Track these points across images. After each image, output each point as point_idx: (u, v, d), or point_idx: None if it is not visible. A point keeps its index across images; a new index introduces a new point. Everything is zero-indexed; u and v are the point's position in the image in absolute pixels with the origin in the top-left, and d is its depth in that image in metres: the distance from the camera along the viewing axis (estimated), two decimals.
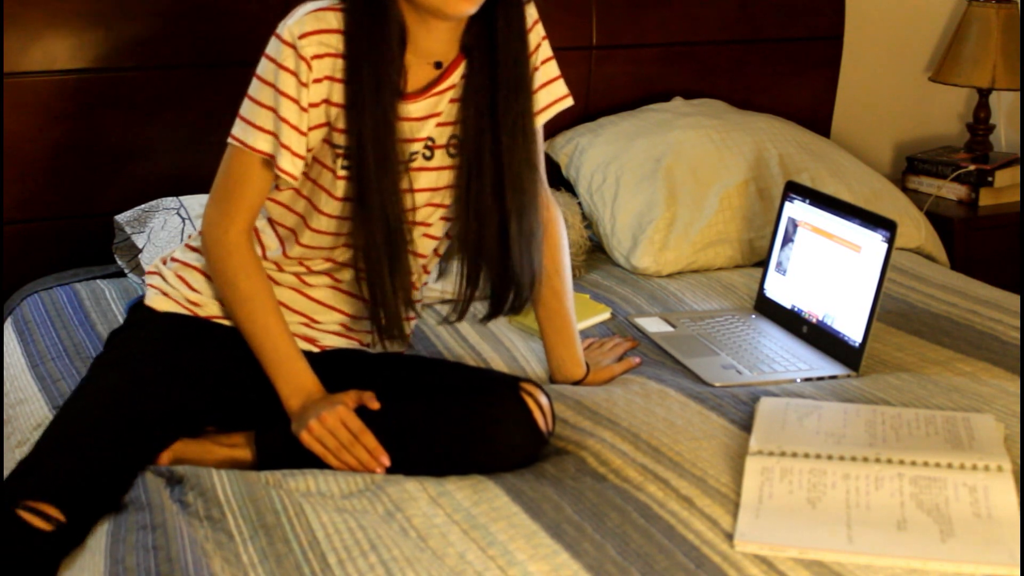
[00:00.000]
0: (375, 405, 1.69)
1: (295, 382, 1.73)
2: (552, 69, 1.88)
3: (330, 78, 1.70)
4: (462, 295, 1.86)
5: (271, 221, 1.83)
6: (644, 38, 3.05)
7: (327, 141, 1.74)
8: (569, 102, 1.92)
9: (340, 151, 1.73)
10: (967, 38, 3.22)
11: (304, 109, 1.70)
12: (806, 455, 1.67)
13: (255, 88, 1.73)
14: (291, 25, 1.69)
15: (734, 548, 1.48)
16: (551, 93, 1.89)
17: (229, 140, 1.76)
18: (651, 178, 2.66)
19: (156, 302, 1.83)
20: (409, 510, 1.57)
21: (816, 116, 3.26)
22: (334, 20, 1.69)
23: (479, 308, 1.94)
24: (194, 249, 1.87)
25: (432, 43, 1.74)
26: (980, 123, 3.31)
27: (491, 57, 1.75)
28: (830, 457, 1.67)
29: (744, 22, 3.14)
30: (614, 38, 3.01)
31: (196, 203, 2.50)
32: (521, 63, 1.77)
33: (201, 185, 2.61)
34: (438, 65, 1.76)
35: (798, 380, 2.02)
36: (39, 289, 2.48)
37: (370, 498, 1.60)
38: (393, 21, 1.69)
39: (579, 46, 2.94)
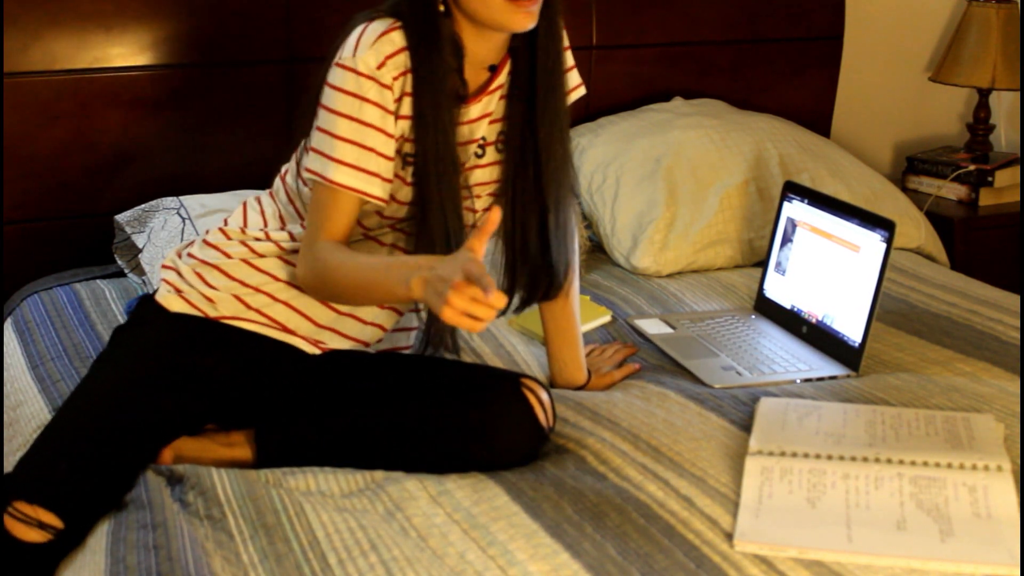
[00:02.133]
0: (494, 222, 1.51)
1: (401, 275, 1.57)
2: (568, 58, 1.91)
3: (405, 94, 1.73)
4: (503, 286, 1.87)
5: None
6: (644, 38, 3.05)
7: (398, 151, 1.75)
8: (583, 91, 1.95)
9: (410, 159, 1.75)
10: (967, 38, 3.22)
11: (391, 136, 1.72)
12: (806, 455, 1.67)
13: (331, 123, 1.71)
14: (364, 56, 1.69)
15: (734, 548, 1.48)
16: (568, 82, 1.91)
17: (308, 176, 1.74)
18: (651, 178, 2.66)
19: (168, 300, 1.83)
20: (409, 509, 1.57)
21: (816, 116, 3.26)
22: (399, 39, 1.71)
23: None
24: (212, 246, 1.86)
25: (488, 51, 1.78)
26: (980, 123, 3.31)
27: (533, 57, 1.79)
28: (830, 457, 1.67)
29: (744, 22, 3.14)
30: (614, 38, 3.01)
31: (196, 203, 2.50)
32: (558, 63, 1.81)
33: (201, 185, 2.62)
34: (491, 68, 1.80)
35: (798, 381, 2.02)
36: (39, 289, 2.48)
37: (370, 497, 1.60)
38: (445, 35, 1.72)
39: (579, 46, 2.93)
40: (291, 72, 2.71)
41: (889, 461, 1.65)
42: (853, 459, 1.66)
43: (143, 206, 2.52)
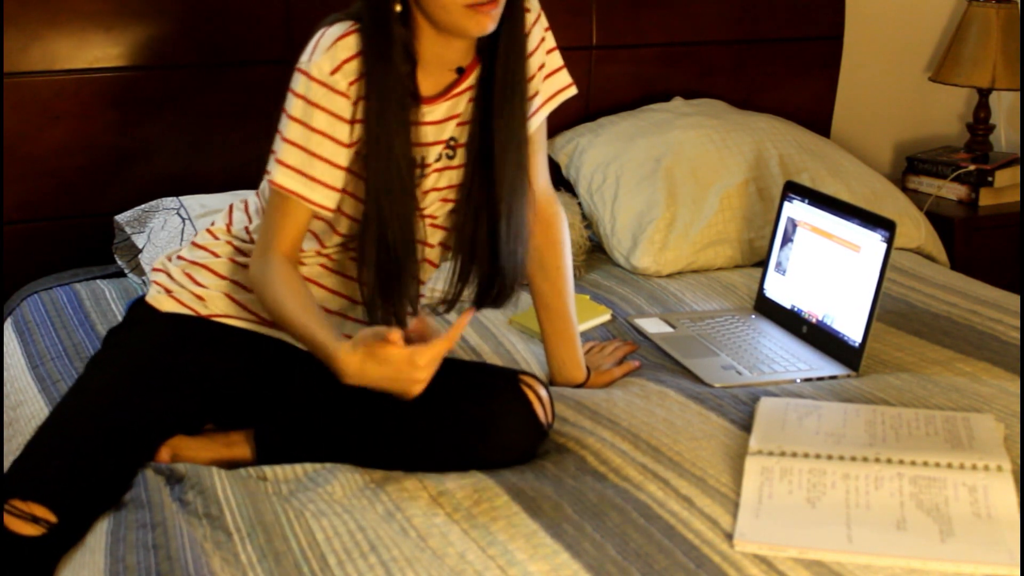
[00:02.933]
0: (395, 337, 1.54)
1: (321, 354, 1.61)
2: (556, 59, 1.90)
3: (362, 98, 1.72)
4: (453, 289, 1.87)
5: None
6: (644, 38, 3.05)
7: (358, 152, 1.75)
8: (573, 91, 1.93)
9: (354, 168, 1.75)
10: (967, 38, 3.22)
11: (341, 143, 1.71)
12: (806, 455, 1.67)
13: (285, 127, 1.72)
14: (319, 61, 1.69)
15: (734, 548, 1.48)
16: (555, 83, 1.90)
17: (265, 179, 1.75)
18: (651, 178, 2.66)
19: (159, 301, 1.83)
20: (409, 510, 1.57)
21: (816, 116, 3.26)
22: (355, 43, 1.70)
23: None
24: (201, 247, 1.87)
25: (452, 53, 1.77)
26: (980, 123, 3.31)
27: (493, 61, 1.77)
28: (830, 457, 1.67)
29: (744, 22, 3.14)
30: (614, 38, 3.01)
31: (196, 203, 2.51)
32: (516, 70, 1.78)
33: (201, 185, 2.62)
34: (459, 70, 1.79)
35: (798, 380, 2.02)
36: (39, 289, 2.48)
37: (370, 497, 1.60)
38: (396, 39, 1.70)
39: (579, 46, 2.94)
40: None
41: (889, 461, 1.65)
42: (853, 459, 1.66)
43: (143, 206, 2.52)
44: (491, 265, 1.83)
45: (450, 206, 1.86)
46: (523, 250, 1.87)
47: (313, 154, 1.70)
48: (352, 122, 1.71)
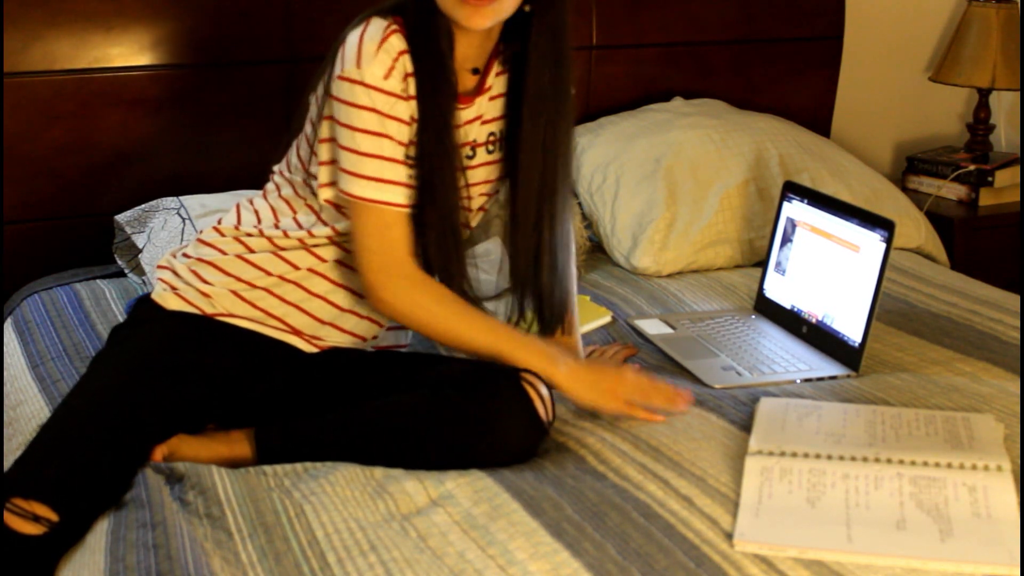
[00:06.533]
0: (631, 352, 1.83)
1: (547, 352, 1.77)
2: None
3: (411, 97, 1.74)
4: (514, 315, 1.94)
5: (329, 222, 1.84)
6: (644, 38, 3.05)
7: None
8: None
9: (410, 161, 1.76)
10: (967, 38, 3.22)
11: (402, 143, 1.74)
12: (806, 455, 1.67)
13: (353, 140, 1.72)
14: (370, 68, 1.70)
15: (734, 547, 1.48)
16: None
17: (347, 199, 1.75)
18: (651, 178, 2.66)
19: (164, 299, 1.83)
20: (409, 509, 1.57)
21: (816, 116, 3.26)
22: (398, 43, 1.71)
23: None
24: (207, 244, 1.87)
25: (470, 49, 1.79)
26: (980, 123, 3.31)
27: (525, 63, 1.80)
28: (830, 457, 1.67)
29: (744, 22, 3.14)
30: (614, 38, 3.01)
31: (196, 203, 2.51)
32: (563, 65, 1.82)
33: (201, 185, 2.62)
34: (475, 71, 1.82)
35: (798, 381, 2.02)
36: (39, 289, 2.48)
37: (371, 496, 1.60)
38: (443, 29, 1.73)
39: (579, 46, 2.94)
40: (291, 72, 2.71)
41: (889, 461, 1.65)
42: (853, 459, 1.66)
43: (143, 206, 2.52)
44: (535, 287, 1.90)
45: (482, 200, 1.90)
46: (569, 269, 1.94)
47: (387, 159, 1.73)
48: (412, 121, 1.74)
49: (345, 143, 1.73)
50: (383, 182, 1.72)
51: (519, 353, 1.76)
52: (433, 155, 1.75)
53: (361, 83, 1.70)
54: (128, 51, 2.59)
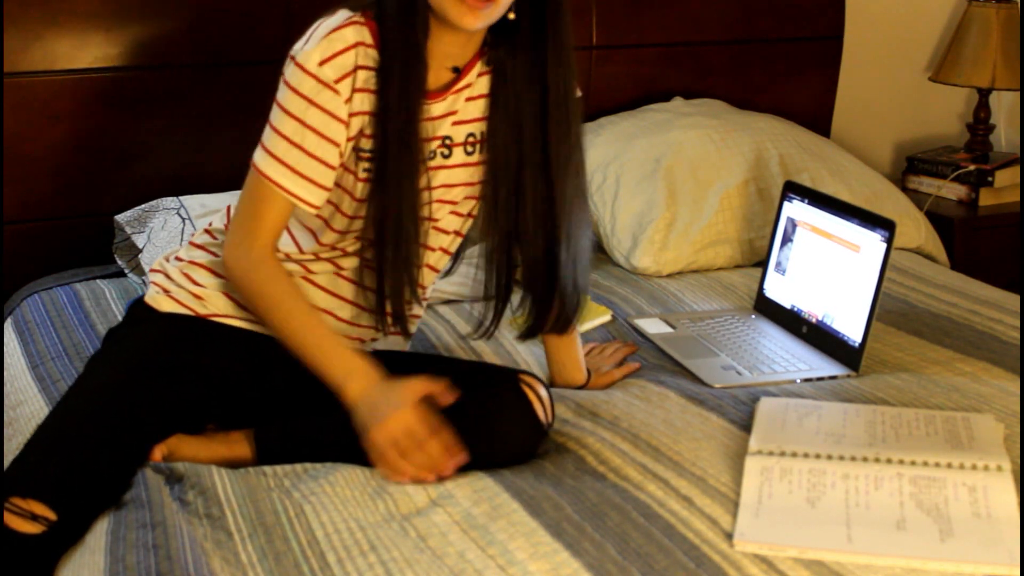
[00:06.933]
0: (448, 400, 1.66)
1: (347, 366, 1.70)
2: None
3: (358, 90, 1.71)
4: (531, 317, 1.90)
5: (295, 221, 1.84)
6: (644, 38, 3.05)
7: (355, 148, 1.75)
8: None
9: (365, 154, 1.74)
10: (967, 38, 3.22)
11: (334, 142, 1.71)
12: (806, 455, 1.67)
13: (278, 118, 1.71)
14: (310, 51, 1.68)
15: (734, 547, 1.48)
16: None
17: (252, 165, 1.74)
18: (651, 178, 2.66)
19: (157, 301, 1.83)
20: (408, 509, 1.57)
21: (816, 116, 3.26)
22: (353, 35, 1.69)
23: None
24: (199, 246, 1.87)
25: (452, 48, 1.77)
26: (980, 123, 3.31)
27: (524, 61, 1.78)
28: (830, 457, 1.67)
29: (744, 22, 3.14)
30: (614, 38, 3.01)
31: (196, 203, 2.51)
32: (566, 64, 1.79)
33: (201, 185, 2.62)
34: (455, 69, 1.79)
35: (798, 381, 2.02)
36: (39, 289, 2.48)
37: (371, 496, 1.60)
38: (421, 22, 1.71)
39: (579, 46, 2.93)
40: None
41: (889, 461, 1.65)
42: (853, 459, 1.66)
43: (143, 206, 2.52)
44: (548, 289, 1.86)
45: (450, 207, 1.86)
46: (584, 273, 1.90)
47: (306, 152, 1.70)
48: (348, 119, 1.71)
49: (272, 121, 1.72)
50: (296, 173, 1.70)
51: (321, 359, 1.69)
52: (391, 143, 1.71)
53: (296, 63, 1.69)
54: (128, 51, 2.59)
